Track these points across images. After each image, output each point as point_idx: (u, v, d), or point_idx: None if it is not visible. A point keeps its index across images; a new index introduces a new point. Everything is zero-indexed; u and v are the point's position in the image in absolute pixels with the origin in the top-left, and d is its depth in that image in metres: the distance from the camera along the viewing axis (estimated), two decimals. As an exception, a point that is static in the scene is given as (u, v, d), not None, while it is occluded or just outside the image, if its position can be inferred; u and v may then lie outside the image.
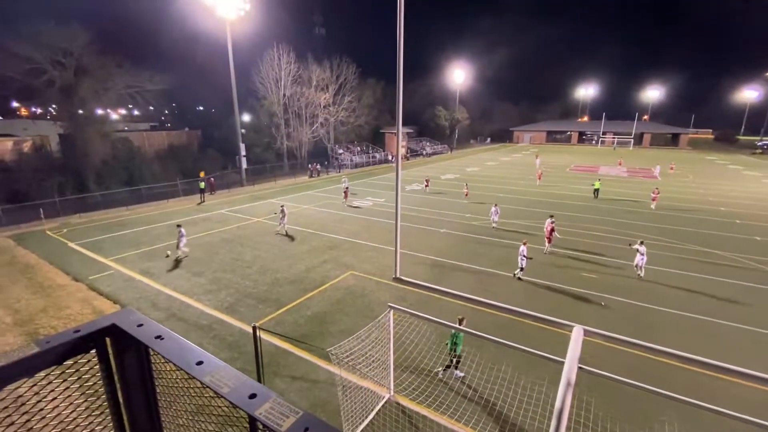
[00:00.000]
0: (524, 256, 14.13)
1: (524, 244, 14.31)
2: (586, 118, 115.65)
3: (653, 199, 25.89)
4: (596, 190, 29.83)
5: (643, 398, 8.11)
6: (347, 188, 28.04)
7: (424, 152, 66.39)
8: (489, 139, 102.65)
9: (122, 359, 1.38)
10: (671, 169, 45.47)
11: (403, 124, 62.24)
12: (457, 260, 16.22)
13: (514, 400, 7.89)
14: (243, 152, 36.89)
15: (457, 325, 6.76)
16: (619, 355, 9.55)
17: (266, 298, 12.72)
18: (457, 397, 8.15)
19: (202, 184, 29.22)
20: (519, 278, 14.29)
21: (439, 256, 16.64)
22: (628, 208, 26.01)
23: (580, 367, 3.53)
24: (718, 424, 7.27)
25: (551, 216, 17.62)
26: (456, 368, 8.90)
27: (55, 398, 1.28)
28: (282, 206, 20.18)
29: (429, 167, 50.73)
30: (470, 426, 7.42)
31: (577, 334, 3.62)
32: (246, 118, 50.09)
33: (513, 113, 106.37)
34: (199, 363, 1.16)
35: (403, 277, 5.50)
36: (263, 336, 9.84)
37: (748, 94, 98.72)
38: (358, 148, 55.62)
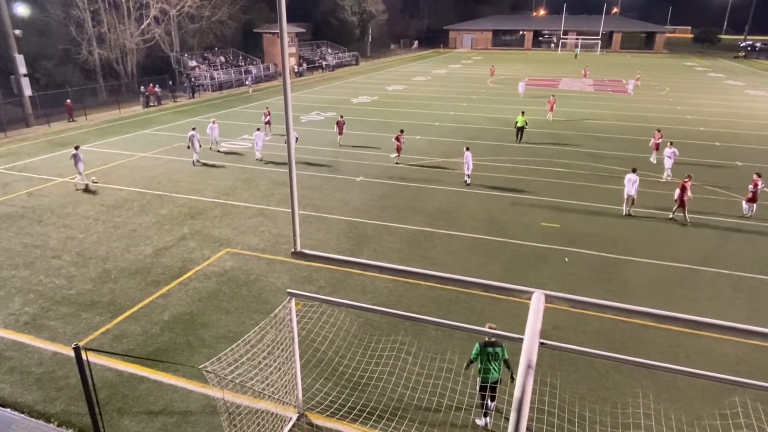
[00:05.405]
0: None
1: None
2: (542, 12, 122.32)
3: (655, 147, 23.69)
4: (520, 129, 26.74)
5: (614, 369, 9.58)
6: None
7: (325, 63, 65.04)
8: (416, 43, 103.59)
9: None
10: (637, 79, 50.05)
11: (291, 20, 60.04)
12: (382, 219, 16.86)
13: (463, 395, 8.72)
14: (22, 69, 32.24)
15: (486, 329, 6.00)
16: (586, 321, 11.02)
17: (93, 302, 12.09)
18: (391, 403, 8.74)
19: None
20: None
21: (357, 216, 17.11)
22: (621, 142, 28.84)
23: (541, 343, 4.00)
24: (695, 387, 8.95)
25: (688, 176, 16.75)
26: (487, 408, 8.21)
27: None
28: (193, 129, 23.05)
29: (333, 86, 50.01)
30: (410, 437, 8.09)
31: (537, 301, 4.06)
32: (22, 10, 43.50)
33: (448, 5, 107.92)
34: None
35: (306, 251, 5.54)
36: (95, 359, 9.31)
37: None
38: (222, 59, 52.77)
